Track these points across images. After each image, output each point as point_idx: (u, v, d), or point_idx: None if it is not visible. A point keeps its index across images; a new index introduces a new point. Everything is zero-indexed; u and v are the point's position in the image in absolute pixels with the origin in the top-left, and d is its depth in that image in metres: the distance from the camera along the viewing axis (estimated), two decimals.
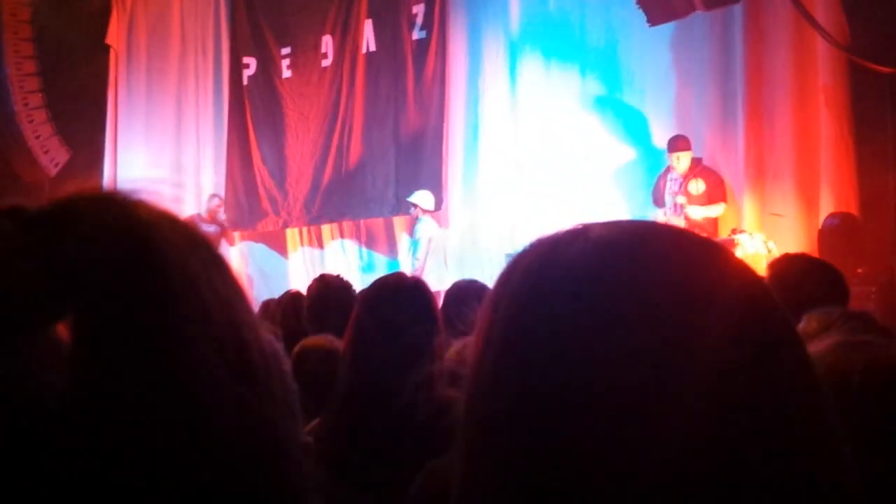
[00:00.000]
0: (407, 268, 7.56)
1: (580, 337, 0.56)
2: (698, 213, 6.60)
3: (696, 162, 6.77)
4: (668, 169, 6.84)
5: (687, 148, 6.71)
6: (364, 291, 2.04)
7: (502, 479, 0.56)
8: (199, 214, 9.04)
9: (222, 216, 9.32)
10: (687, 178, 6.70)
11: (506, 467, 0.56)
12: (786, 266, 2.72)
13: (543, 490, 0.55)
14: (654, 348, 0.55)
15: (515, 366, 0.58)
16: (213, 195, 9.20)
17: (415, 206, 7.87)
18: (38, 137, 10.67)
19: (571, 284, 0.58)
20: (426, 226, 7.82)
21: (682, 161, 6.71)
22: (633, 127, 7.30)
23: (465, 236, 8.13)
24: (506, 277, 0.62)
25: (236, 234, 9.90)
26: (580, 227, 0.62)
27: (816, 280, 2.51)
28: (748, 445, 0.53)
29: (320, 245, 9.40)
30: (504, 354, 0.59)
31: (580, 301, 0.57)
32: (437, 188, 8.23)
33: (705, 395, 0.53)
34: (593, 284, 0.58)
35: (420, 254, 7.75)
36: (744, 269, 0.61)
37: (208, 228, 8.86)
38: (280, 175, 9.46)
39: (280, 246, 9.66)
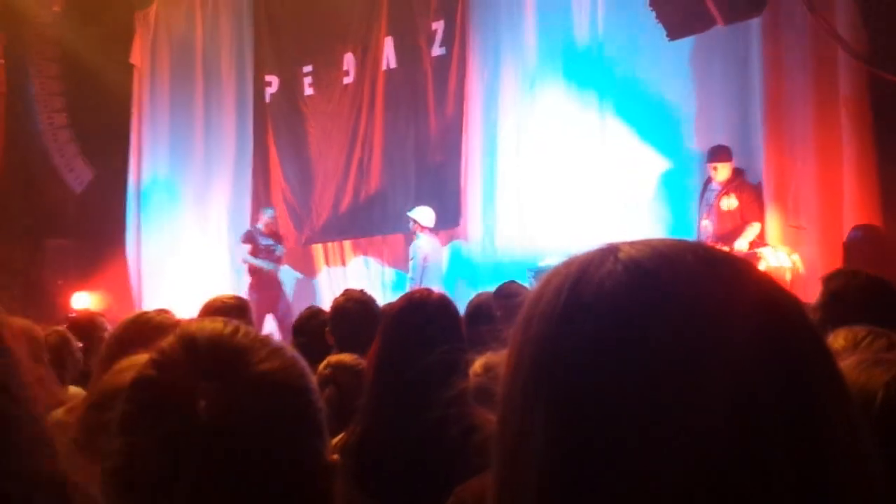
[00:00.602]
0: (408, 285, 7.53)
1: (610, 357, 0.56)
2: (742, 245, 6.49)
3: (736, 174, 6.71)
4: (709, 179, 6.80)
5: (726, 159, 6.64)
6: (390, 306, 2.08)
7: (536, 495, 0.57)
8: (256, 227, 8.98)
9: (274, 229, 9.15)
10: (721, 193, 6.65)
11: (540, 485, 0.57)
12: (844, 282, 2.60)
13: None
14: (684, 367, 0.55)
15: (547, 384, 0.58)
16: (268, 207, 9.09)
17: (414, 221, 7.90)
18: (62, 156, 10.81)
19: (601, 305, 0.58)
20: (423, 242, 7.81)
21: (719, 172, 6.64)
22: (653, 141, 7.30)
23: (485, 251, 8.15)
24: (537, 296, 0.62)
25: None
26: (609, 246, 0.62)
27: (878, 299, 2.42)
28: (780, 456, 0.54)
29: (343, 263, 9.44)
30: (536, 372, 0.59)
31: (610, 321, 0.57)
32: (455, 203, 8.29)
33: (738, 413, 0.54)
34: (623, 305, 0.58)
35: (415, 272, 7.71)
36: (774, 288, 0.60)
37: (265, 242, 8.81)
38: (303, 192, 9.53)
39: (308, 267, 9.74)
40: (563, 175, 7.75)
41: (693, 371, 0.55)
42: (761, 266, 6.04)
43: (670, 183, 7.06)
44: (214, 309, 3.21)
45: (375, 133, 8.94)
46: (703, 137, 6.98)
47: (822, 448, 0.55)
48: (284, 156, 9.68)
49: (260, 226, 8.94)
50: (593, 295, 0.59)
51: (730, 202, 6.61)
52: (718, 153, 6.64)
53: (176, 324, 2.27)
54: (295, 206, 9.60)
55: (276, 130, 9.77)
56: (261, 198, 9.78)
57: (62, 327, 3.94)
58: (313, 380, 0.96)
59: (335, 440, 1.99)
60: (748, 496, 0.53)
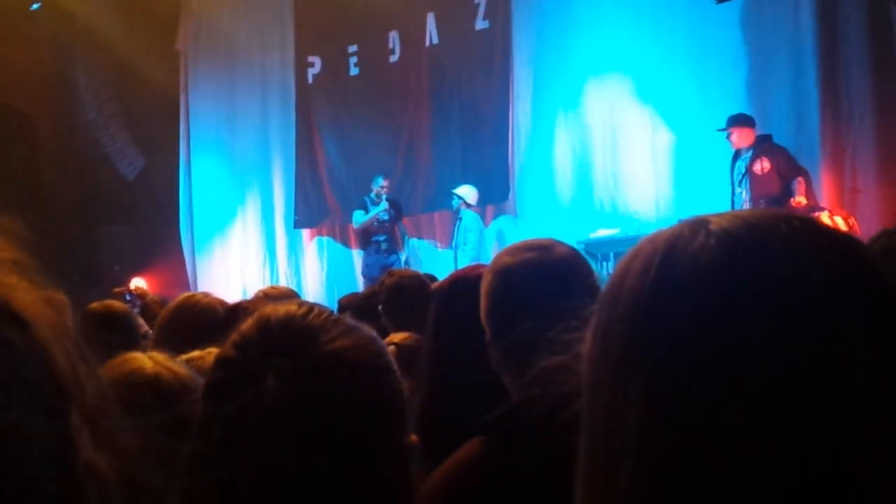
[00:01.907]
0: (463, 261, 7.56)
1: (708, 334, 0.54)
2: (800, 200, 6.37)
3: (761, 139, 6.61)
4: (739, 150, 6.71)
5: (742, 124, 6.55)
6: (441, 285, 2.03)
7: (631, 489, 0.56)
8: (369, 197, 8.69)
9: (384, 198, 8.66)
10: (752, 158, 6.57)
11: (634, 477, 0.55)
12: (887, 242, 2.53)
13: (674, 494, 0.54)
14: (788, 344, 0.53)
15: (641, 367, 0.56)
16: (379, 175, 8.71)
17: (460, 198, 7.98)
18: (115, 144, 11.04)
19: (697, 281, 0.56)
20: (469, 220, 7.92)
21: (735, 138, 6.56)
22: (704, 106, 7.15)
23: (535, 227, 8.09)
24: (622, 272, 0.61)
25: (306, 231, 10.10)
26: (698, 220, 0.60)
27: None
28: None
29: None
30: (628, 355, 0.58)
31: (708, 297, 0.55)
32: (504, 178, 8.24)
33: (845, 394, 0.52)
34: (720, 280, 0.56)
35: (468, 249, 7.86)
36: (872, 257, 0.59)
37: (377, 211, 8.52)
38: (349, 171, 9.56)
39: (344, 242, 9.85)
40: (613, 148, 7.66)
41: (803, 347, 0.53)
42: None
43: (724, 153, 6.88)
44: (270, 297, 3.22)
45: (422, 111, 8.90)
46: (756, 102, 6.87)
47: None
48: (328, 135, 9.71)
49: (372, 195, 8.67)
50: (686, 269, 0.57)
51: (762, 164, 6.52)
52: (732, 119, 6.57)
53: (221, 305, 2.31)
54: (342, 183, 9.66)
55: (320, 111, 9.81)
56: (305, 179, 9.89)
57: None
58: (392, 360, 0.96)
59: None
60: (847, 473, 0.51)
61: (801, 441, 0.52)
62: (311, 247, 10.06)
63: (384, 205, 8.56)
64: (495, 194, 8.26)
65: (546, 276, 1.43)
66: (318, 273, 9.88)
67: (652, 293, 0.58)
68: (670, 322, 0.56)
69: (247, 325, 0.94)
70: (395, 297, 3.22)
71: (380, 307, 3.28)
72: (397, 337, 2.45)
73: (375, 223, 8.59)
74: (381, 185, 8.60)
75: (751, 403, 0.53)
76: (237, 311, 2.32)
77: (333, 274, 9.68)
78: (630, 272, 0.60)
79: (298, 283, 9.79)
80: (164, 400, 1.22)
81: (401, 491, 0.92)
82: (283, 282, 9.99)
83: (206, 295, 2.41)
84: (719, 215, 0.60)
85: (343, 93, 9.60)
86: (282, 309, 0.94)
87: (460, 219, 8.03)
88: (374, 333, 0.96)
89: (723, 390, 0.54)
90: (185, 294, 2.43)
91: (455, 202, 8.05)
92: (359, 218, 8.64)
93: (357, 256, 9.30)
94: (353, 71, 9.52)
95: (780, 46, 6.79)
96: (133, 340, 2.62)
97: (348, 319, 0.96)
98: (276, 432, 0.85)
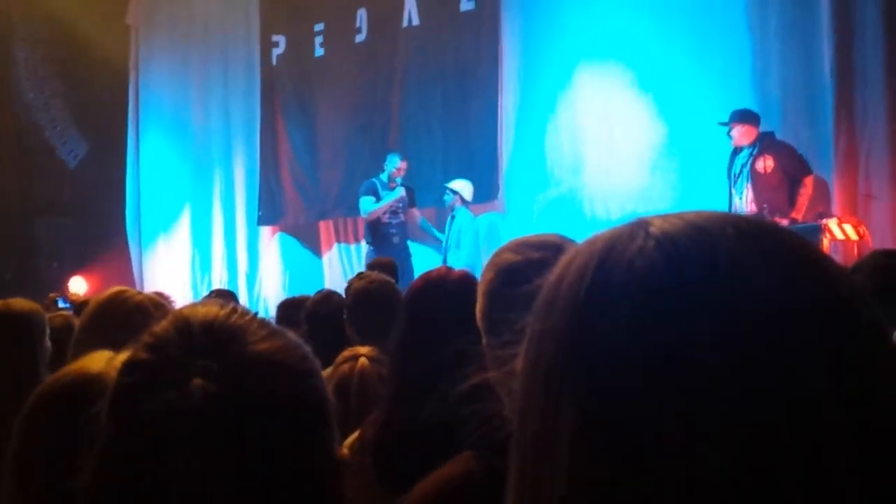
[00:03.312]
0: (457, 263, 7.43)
1: (642, 350, 0.55)
2: (798, 217, 6.40)
3: (764, 136, 6.63)
4: (737, 148, 6.77)
5: (746, 121, 6.60)
6: (408, 289, 2.07)
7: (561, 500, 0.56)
8: (378, 179, 8.16)
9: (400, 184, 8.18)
10: (755, 156, 6.61)
11: (567, 492, 0.56)
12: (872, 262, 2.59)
13: None
14: (727, 361, 0.53)
15: (573, 378, 0.57)
16: (394, 154, 8.21)
17: (454, 194, 7.84)
18: (56, 128, 10.96)
19: (632, 287, 0.56)
20: (468, 218, 7.82)
21: (736, 134, 6.62)
22: (705, 98, 7.21)
23: (523, 225, 8.09)
24: (557, 279, 0.61)
25: (267, 229, 10.09)
26: (637, 221, 0.60)
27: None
28: (839, 451, 0.53)
29: (358, 239, 9.39)
30: (559, 366, 0.58)
31: (642, 306, 0.56)
32: (492, 174, 8.20)
33: (791, 405, 0.53)
34: (658, 287, 0.56)
35: (466, 251, 7.71)
36: (829, 265, 0.59)
37: (391, 198, 7.99)
38: (311, 162, 9.49)
39: (314, 245, 9.77)
40: (608, 141, 7.66)
41: (743, 363, 0.53)
42: (826, 240, 5.99)
43: (725, 149, 6.93)
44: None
45: (393, 97, 8.84)
46: (761, 96, 6.94)
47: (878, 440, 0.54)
48: (292, 122, 9.66)
49: (383, 177, 8.15)
50: (623, 276, 0.57)
51: (765, 162, 6.54)
52: (737, 114, 6.64)
53: (160, 305, 2.28)
54: (302, 177, 9.60)
55: (283, 95, 9.77)
56: (269, 170, 9.80)
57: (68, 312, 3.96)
58: (318, 366, 0.98)
59: (352, 437, 2.02)
60: (801, 492, 0.52)
61: (754, 464, 0.52)
62: (273, 245, 10.05)
63: (399, 191, 8.04)
64: (482, 192, 8.18)
65: None
66: (279, 275, 9.89)
67: (585, 302, 0.58)
68: (603, 335, 0.56)
69: (160, 326, 0.95)
70: (361, 303, 3.21)
71: (345, 315, 3.29)
72: (363, 350, 2.49)
73: (388, 214, 8.07)
74: (396, 166, 8.08)
75: (691, 427, 0.53)
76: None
77: (296, 277, 9.65)
78: (565, 278, 0.60)
79: (251, 284, 9.84)
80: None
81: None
82: (242, 284, 9.97)
83: (140, 293, 2.36)
84: (663, 216, 0.60)
85: (308, 76, 9.56)
86: (201, 309, 0.96)
87: (453, 217, 7.88)
88: (298, 337, 0.99)
89: (657, 412, 0.54)
90: (115, 289, 2.34)
91: (448, 198, 7.90)
92: (367, 206, 8.06)
93: (333, 261, 9.30)
94: (318, 52, 9.49)
95: (790, 35, 6.85)
96: (30, 349, 2.54)
97: (271, 322, 0.98)
98: (205, 436, 0.87)
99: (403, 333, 1.95)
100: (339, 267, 9.34)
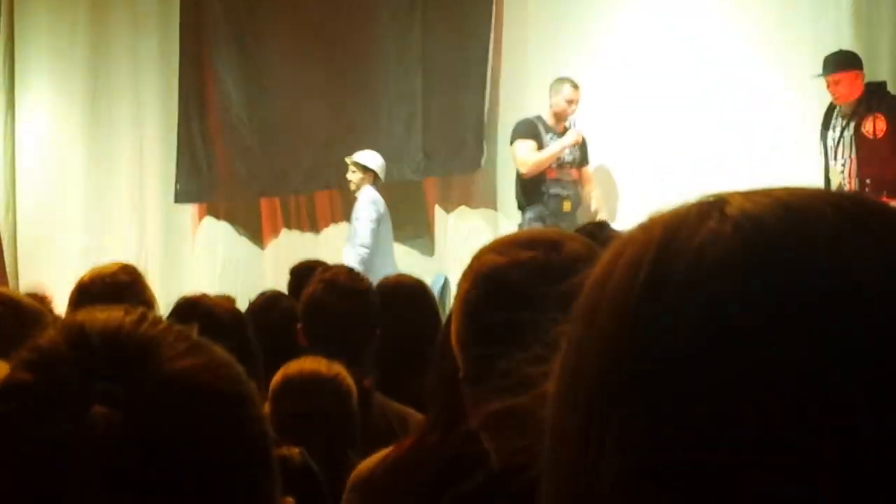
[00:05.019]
0: (350, 259, 7.35)
1: (717, 364, 0.53)
2: None
3: (872, 87, 6.43)
4: (832, 106, 6.52)
5: (850, 67, 6.36)
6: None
7: None
8: (539, 119, 7.33)
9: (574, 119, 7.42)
10: (860, 116, 6.33)
11: None
12: None
13: None
14: (832, 381, 0.52)
15: (624, 398, 0.55)
16: (565, 80, 7.27)
17: (359, 168, 7.83)
18: None
19: (702, 285, 0.55)
20: (373, 198, 7.78)
21: (842, 87, 6.34)
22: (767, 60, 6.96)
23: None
24: (604, 274, 0.60)
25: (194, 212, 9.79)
26: (712, 198, 0.59)
27: None
28: None
29: (314, 226, 9.08)
30: (606, 382, 0.57)
31: (719, 310, 0.54)
32: (476, 136, 7.95)
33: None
34: (737, 284, 0.55)
35: (364, 237, 7.60)
36: None
37: (563, 144, 7.17)
38: (252, 122, 9.17)
39: (255, 231, 9.45)
40: (643, 110, 7.37)
41: (858, 381, 0.52)
42: None
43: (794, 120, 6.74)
44: (91, 292, 3.25)
45: (359, 35, 8.56)
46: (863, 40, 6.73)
47: None
48: (224, 62, 9.26)
49: (545, 115, 7.41)
50: (689, 268, 0.56)
51: (875, 124, 6.29)
52: (839, 61, 6.39)
53: (40, 312, 2.54)
54: (242, 140, 9.26)
55: (214, 31, 9.32)
56: (193, 133, 9.43)
57: None
58: (254, 391, 0.98)
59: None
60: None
61: (837, 479, 0.51)
62: (201, 232, 9.63)
63: (573, 134, 7.31)
64: (461, 163, 8.04)
65: (551, 285, 1.20)
66: (209, 269, 9.38)
67: (641, 304, 0.57)
68: (664, 348, 0.55)
69: (46, 338, 0.94)
70: (315, 310, 3.28)
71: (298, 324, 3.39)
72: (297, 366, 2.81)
73: (554, 165, 7.35)
74: (567, 96, 7.30)
75: (780, 464, 0.52)
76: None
77: (229, 274, 9.19)
78: (613, 275, 0.59)
79: (166, 283, 9.18)
80: None
81: None
82: (155, 283, 8.99)
83: (16, 293, 2.67)
84: (743, 193, 0.59)
85: (249, 4, 9.23)
86: (100, 315, 0.94)
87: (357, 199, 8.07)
88: (226, 354, 0.98)
89: (737, 446, 0.53)
90: None
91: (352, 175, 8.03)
92: (525, 153, 7.31)
93: (279, 255, 8.84)
94: None
95: None
96: None
97: (193, 333, 0.98)
98: (107, 480, 0.86)
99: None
100: (287, 262, 8.65)
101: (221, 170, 9.34)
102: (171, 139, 9.63)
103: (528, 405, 0.68)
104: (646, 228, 0.59)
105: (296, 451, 2.32)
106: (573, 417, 0.57)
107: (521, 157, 7.28)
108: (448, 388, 1.80)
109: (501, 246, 1.49)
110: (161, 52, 9.66)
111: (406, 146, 8.18)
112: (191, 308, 3.22)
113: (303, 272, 4.35)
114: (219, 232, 9.51)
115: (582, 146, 7.37)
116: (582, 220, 6.93)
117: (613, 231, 3.90)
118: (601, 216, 6.81)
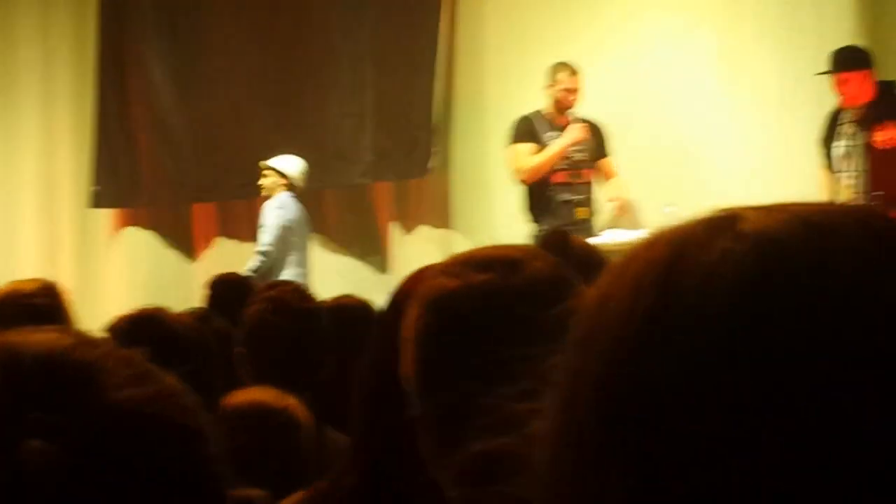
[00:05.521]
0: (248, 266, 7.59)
1: (731, 398, 0.53)
2: None
3: (882, 89, 6.38)
4: (838, 110, 6.57)
5: (862, 65, 6.35)
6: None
7: None
8: (536, 115, 7.24)
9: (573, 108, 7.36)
10: (870, 123, 6.36)
11: None
12: None
13: None
14: (863, 408, 0.52)
15: (626, 434, 0.56)
16: (560, 64, 7.14)
17: (273, 173, 7.89)
18: None
19: (713, 309, 0.55)
20: (282, 203, 7.86)
21: (851, 88, 6.35)
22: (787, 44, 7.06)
23: (476, 209, 7.85)
24: (602, 297, 0.61)
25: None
26: (723, 213, 0.60)
27: None
28: None
29: (254, 236, 8.77)
30: (604, 415, 0.57)
31: (732, 338, 0.54)
32: (424, 140, 7.96)
33: None
34: (753, 309, 0.55)
35: (264, 244, 7.70)
36: None
37: (562, 143, 6.96)
38: (184, 119, 9.09)
39: (185, 241, 9.27)
40: (637, 110, 7.39)
41: (875, 410, 0.53)
42: None
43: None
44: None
45: (301, 22, 8.54)
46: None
47: None
48: (153, 49, 9.13)
49: (545, 109, 7.33)
50: (700, 292, 0.56)
51: (885, 133, 6.32)
52: (845, 59, 6.39)
53: None
54: (171, 137, 9.12)
55: (141, 12, 9.14)
56: (112, 132, 9.24)
57: None
58: (206, 423, 0.94)
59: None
60: None
61: None
62: (122, 242, 9.41)
63: (576, 129, 7.15)
64: (407, 167, 8.07)
65: (509, 312, 1.44)
66: (129, 285, 9.19)
67: (643, 332, 0.57)
68: (670, 381, 0.55)
69: None
70: (261, 334, 3.32)
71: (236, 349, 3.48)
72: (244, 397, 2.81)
73: (564, 165, 7.21)
74: (564, 84, 7.15)
75: (800, 495, 0.53)
76: None
77: (157, 288, 8.95)
78: (613, 298, 0.60)
79: (85, 300, 8.77)
80: None
81: None
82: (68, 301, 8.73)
83: None
84: (758, 208, 0.60)
85: None
86: (33, 337, 0.89)
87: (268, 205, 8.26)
88: (177, 382, 0.93)
89: (756, 484, 0.54)
90: None
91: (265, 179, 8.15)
92: (520, 159, 7.24)
93: (208, 266, 8.66)
94: None
95: None
96: None
97: (139, 358, 0.93)
98: None
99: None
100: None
101: (146, 171, 9.27)
102: (86, 132, 9.49)
103: (515, 446, 0.74)
104: (650, 245, 0.60)
105: (257, 492, 2.37)
106: (571, 452, 0.58)
107: (515, 163, 7.13)
108: (375, 424, 1.80)
109: (455, 267, 1.46)
110: (75, 32, 9.60)
111: (355, 146, 8.19)
112: (145, 324, 3.19)
113: (223, 286, 4.39)
114: (142, 242, 9.37)
115: (596, 137, 7.10)
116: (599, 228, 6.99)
117: (585, 244, 3.80)
118: (623, 224, 6.77)
